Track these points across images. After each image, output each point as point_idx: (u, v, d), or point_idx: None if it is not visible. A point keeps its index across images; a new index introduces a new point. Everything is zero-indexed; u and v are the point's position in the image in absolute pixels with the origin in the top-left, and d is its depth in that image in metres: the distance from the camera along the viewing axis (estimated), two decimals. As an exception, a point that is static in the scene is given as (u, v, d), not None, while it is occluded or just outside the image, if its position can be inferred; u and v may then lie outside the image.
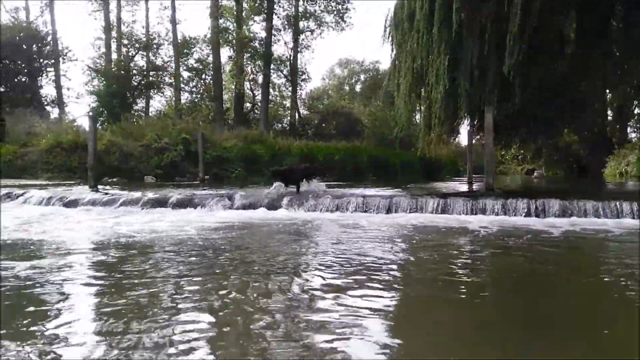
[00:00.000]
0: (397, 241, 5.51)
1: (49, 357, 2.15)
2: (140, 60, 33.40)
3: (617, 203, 6.74)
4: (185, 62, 35.34)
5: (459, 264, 4.27)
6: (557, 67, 14.36)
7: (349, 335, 2.42)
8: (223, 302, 3.00)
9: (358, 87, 58.79)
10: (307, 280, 3.61)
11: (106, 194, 9.88)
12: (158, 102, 37.88)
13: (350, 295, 3.13)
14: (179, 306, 2.93)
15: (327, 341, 2.32)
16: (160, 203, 8.83)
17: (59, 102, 34.06)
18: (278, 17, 36.21)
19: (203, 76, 36.44)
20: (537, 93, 13.87)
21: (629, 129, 33.58)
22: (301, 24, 37.17)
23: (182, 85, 35.27)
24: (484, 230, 6.07)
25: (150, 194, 9.28)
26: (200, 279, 3.61)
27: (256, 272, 3.85)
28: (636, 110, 32.72)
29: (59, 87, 34.01)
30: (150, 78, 32.15)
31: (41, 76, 33.20)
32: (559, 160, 33.65)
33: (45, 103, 33.30)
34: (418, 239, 5.70)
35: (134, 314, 2.73)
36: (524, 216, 7.00)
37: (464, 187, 13.77)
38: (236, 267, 4.06)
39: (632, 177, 22.78)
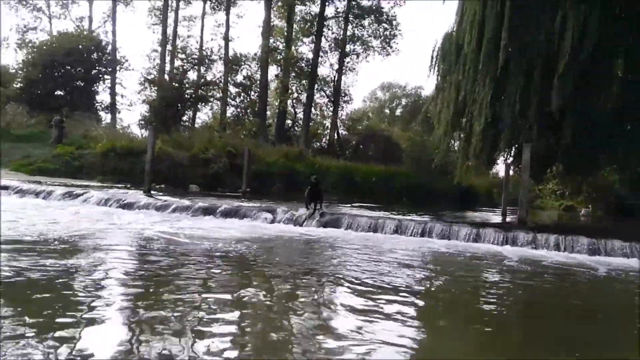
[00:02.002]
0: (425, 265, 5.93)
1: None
2: (191, 74, 34.96)
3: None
4: (234, 78, 36.67)
5: (485, 288, 4.66)
6: (604, 105, 14.44)
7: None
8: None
9: (398, 111, 59.18)
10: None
11: (158, 199, 10.63)
12: (204, 115, 39.33)
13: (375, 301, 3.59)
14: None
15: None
16: (209, 212, 9.50)
17: (112, 108, 35.89)
18: (326, 39, 37.25)
19: (249, 92, 37.67)
20: (582, 130, 13.98)
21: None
22: (348, 47, 38.07)
23: (228, 100, 36.57)
24: (513, 261, 6.40)
25: (200, 203, 9.98)
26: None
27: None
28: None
29: (113, 94, 35.87)
30: (200, 92, 33.54)
31: (98, 83, 35.12)
32: (598, 198, 32.90)
33: (100, 109, 35.15)
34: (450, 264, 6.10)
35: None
36: (554, 250, 7.28)
37: (497, 218, 13.94)
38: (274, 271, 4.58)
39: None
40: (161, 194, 12.85)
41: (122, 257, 4.84)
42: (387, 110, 58.90)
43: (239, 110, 39.11)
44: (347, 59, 38.44)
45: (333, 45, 37.85)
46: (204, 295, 3.53)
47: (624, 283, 5.44)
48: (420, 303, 4.00)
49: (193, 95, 32.67)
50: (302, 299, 3.68)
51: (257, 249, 6.07)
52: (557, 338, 3.30)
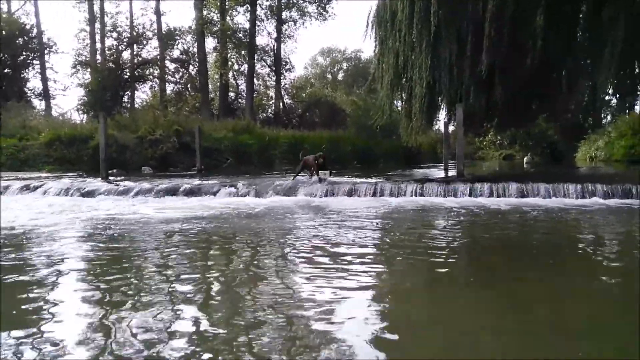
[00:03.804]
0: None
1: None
2: (125, 53, 33.87)
3: (565, 185, 8.08)
4: (170, 54, 35.85)
5: (432, 233, 5.47)
6: (530, 61, 15.62)
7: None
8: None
9: (340, 76, 59.81)
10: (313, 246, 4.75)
11: (118, 184, 10.84)
12: (143, 94, 38.38)
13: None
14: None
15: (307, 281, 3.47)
16: (172, 192, 9.86)
17: (46, 94, 34.38)
18: (261, 7, 36.96)
19: (188, 67, 37.03)
20: (511, 86, 15.13)
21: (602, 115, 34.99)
22: (284, 14, 37.99)
23: (167, 77, 35.83)
24: (454, 210, 7.32)
25: (161, 184, 10.31)
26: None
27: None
28: (607, 98, 34.34)
29: (45, 80, 34.27)
30: (138, 71, 32.68)
31: (27, 69, 33.48)
32: (534, 146, 35.31)
33: (33, 96, 33.65)
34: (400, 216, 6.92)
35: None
36: (488, 197, 8.31)
37: (440, 173, 15.02)
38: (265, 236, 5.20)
39: (600, 161, 24.35)
40: (119, 178, 12.97)
41: (96, 246, 5.11)
42: (329, 76, 59.35)
43: (179, 86, 38.48)
44: (285, 27, 38.41)
45: (269, 13, 37.63)
46: (174, 279, 3.65)
47: (544, 221, 6.42)
48: (381, 252, 4.72)
49: (130, 76, 31.80)
50: (270, 268, 4.06)
51: (223, 224, 6.55)
52: (490, 266, 4.12)
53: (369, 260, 4.23)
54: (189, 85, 37.85)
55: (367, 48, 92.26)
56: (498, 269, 4.09)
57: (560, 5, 14.76)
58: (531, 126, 26.34)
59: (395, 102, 18.68)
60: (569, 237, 5.39)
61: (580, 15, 15.68)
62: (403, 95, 16.58)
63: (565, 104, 22.82)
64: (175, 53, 36.05)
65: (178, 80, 37.76)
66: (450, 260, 4.25)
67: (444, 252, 4.53)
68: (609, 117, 32.51)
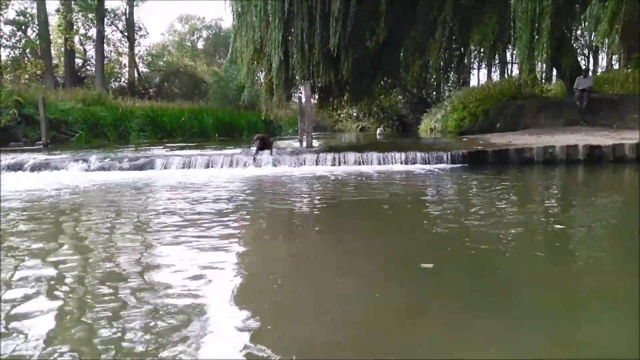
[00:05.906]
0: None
1: None
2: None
3: (392, 154, 9.46)
4: (4, 15, 31.78)
5: (286, 196, 6.22)
6: (376, 40, 17.10)
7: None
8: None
9: (201, 45, 58.02)
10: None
11: (-51, 162, 9.87)
12: (-30, 60, 33.59)
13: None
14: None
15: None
16: (16, 167, 9.30)
17: None
18: (110, -33, 34.35)
19: (26, 30, 33.22)
20: (358, 62, 16.46)
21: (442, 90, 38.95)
22: (137, -25, 35.80)
23: (2, 41, 31.86)
24: (299, 177, 8.20)
25: (4, 160, 9.64)
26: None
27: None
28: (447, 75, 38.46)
29: None
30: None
31: None
32: (385, 118, 38.45)
33: None
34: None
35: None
36: (330, 165, 9.38)
37: (297, 145, 16.00)
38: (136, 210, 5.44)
39: (437, 132, 27.47)
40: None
41: None
42: (188, 44, 57.15)
43: (15, 51, 34.38)
44: (138, -11, 36.25)
45: (119, -26, 35.13)
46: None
47: (373, 183, 7.56)
48: (244, 217, 5.19)
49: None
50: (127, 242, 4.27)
51: (69, 199, 6.45)
52: (334, 215, 4.96)
53: (237, 222, 4.78)
54: (27, 51, 34.02)
55: (228, 16, 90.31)
56: (339, 217, 4.96)
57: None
58: (374, 100, 28.44)
59: (258, 76, 19.16)
60: (391, 193, 6.49)
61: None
62: (263, 70, 17.09)
63: (405, 79, 25.20)
64: (11, 14, 32.04)
65: (15, 45, 33.72)
66: (304, 212, 5.07)
67: (298, 209, 5.31)
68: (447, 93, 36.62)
